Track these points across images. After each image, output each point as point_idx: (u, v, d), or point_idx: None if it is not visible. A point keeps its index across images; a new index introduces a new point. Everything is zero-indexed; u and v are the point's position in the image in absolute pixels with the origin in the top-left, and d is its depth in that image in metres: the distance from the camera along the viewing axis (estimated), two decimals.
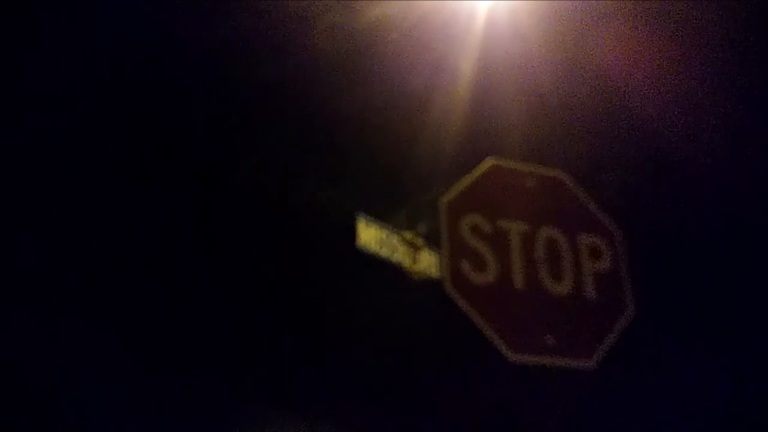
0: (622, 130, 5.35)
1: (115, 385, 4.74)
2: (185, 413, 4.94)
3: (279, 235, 5.10)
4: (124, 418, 4.63)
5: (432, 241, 3.88)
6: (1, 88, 4.61)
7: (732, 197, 5.28)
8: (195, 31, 4.85)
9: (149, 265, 5.07)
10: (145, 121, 5.09)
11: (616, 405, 4.77)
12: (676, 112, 5.18)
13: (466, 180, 3.43)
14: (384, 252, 3.76)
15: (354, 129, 5.06)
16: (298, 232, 4.97)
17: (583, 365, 3.21)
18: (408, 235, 3.88)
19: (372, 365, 4.94)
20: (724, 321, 5.27)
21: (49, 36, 4.70)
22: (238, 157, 5.13)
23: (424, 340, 4.82)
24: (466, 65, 4.82)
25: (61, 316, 4.69)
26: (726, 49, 5.11)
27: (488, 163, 3.51)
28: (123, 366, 4.80)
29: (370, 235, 3.73)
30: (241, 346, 5.16)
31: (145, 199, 5.20)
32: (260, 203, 5.10)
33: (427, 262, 3.90)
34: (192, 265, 5.12)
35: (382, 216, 3.84)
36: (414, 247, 3.85)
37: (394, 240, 3.82)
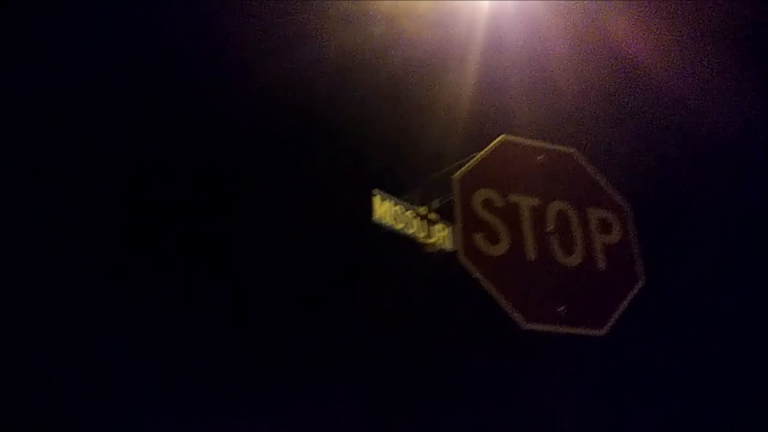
0: (631, 107, 5.39)
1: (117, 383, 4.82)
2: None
3: (299, 212, 5.23)
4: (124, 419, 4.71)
5: (445, 215, 3.99)
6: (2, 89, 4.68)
7: (740, 171, 5.32)
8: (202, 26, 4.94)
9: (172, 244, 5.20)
10: (180, 104, 5.17)
11: (628, 372, 4.90)
12: (685, 88, 5.21)
13: (479, 156, 3.52)
14: (399, 226, 3.87)
15: (371, 110, 5.15)
16: (317, 208, 5.10)
17: (594, 333, 3.33)
18: (422, 209, 3.98)
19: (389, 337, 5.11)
20: (730, 288, 5.35)
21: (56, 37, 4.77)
22: (258, 137, 5.23)
23: (439, 310, 4.98)
24: (479, 46, 4.87)
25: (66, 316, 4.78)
26: (729, 29, 5.12)
27: (500, 139, 3.59)
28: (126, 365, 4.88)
29: (385, 209, 3.84)
30: (259, 321, 5.29)
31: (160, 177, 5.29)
32: (279, 183, 5.23)
33: (441, 236, 4.01)
34: (212, 241, 5.25)
35: (397, 192, 3.95)
36: (428, 221, 3.95)
37: (409, 214, 3.92)
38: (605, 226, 3.54)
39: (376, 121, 5.22)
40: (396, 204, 3.93)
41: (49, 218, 4.96)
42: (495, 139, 3.56)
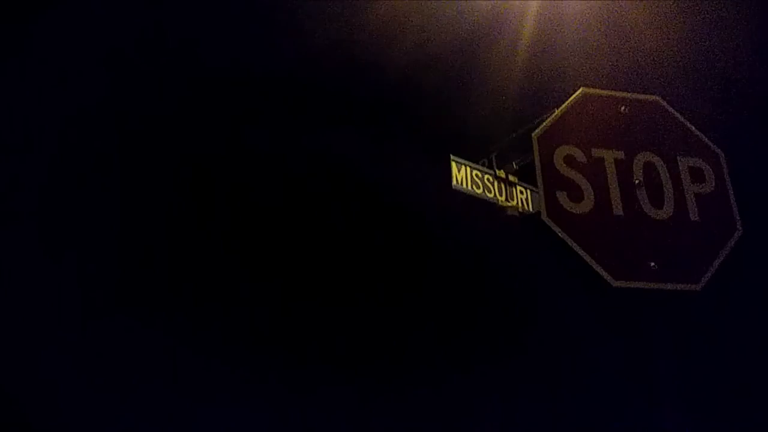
0: (716, 51, 5.09)
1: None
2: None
3: (378, 181, 5.28)
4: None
5: (525, 176, 3.93)
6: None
7: None
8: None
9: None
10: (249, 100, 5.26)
11: (721, 325, 4.70)
12: None
13: (558, 112, 3.43)
14: (478, 191, 3.84)
15: (443, 72, 5.13)
16: (394, 175, 5.15)
17: (689, 288, 3.21)
18: (501, 172, 3.93)
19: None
20: None
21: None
22: (334, 107, 5.30)
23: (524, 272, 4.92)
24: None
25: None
26: None
27: (579, 93, 3.49)
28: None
29: (463, 175, 3.81)
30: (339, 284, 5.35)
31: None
32: (354, 150, 5.29)
33: (522, 198, 3.95)
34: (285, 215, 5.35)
35: (475, 156, 3.90)
36: (507, 184, 3.90)
37: (488, 178, 3.88)
38: (697, 175, 3.40)
39: (446, 85, 5.19)
40: (474, 169, 3.88)
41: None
42: (575, 92, 3.47)
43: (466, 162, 3.89)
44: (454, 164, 3.82)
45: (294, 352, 5.07)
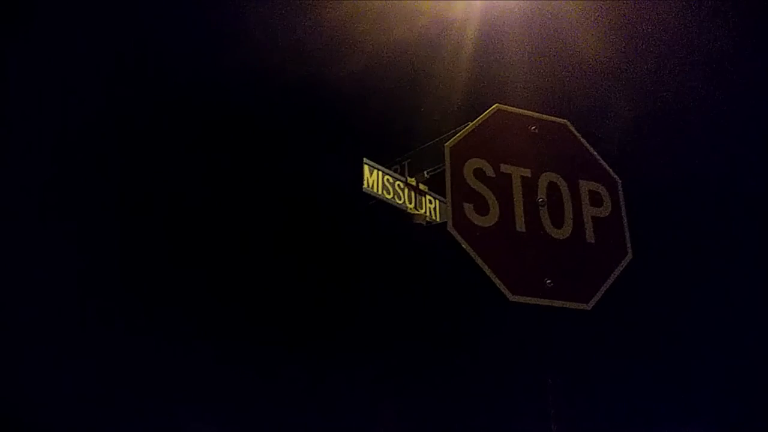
0: (622, 81, 5.37)
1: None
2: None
3: (289, 180, 5.21)
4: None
5: (435, 186, 3.97)
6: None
7: (728, 144, 5.32)
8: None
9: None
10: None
11: (611, 344, 4.94)
12: (674, 62, 5.21)
13: (472, 125, 3.49)
14: (388, 196, 3.84)
15: (361, 79, 5.14)
16: (307, 177, 5.10)
17: (579, 307, 3.33)
18: (412, 180, 3.95)
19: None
20: (720, 264, 5.38)
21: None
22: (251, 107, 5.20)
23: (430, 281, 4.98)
24: (471, 17, 4.83)
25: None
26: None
27: (494, 109, 3.56)
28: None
29: (375, 179, 3.79)
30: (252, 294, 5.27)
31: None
32: (269, 150, 5.20)
33: (430, 208, 3.99)
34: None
35: (387, 162, 3.90)
36: (418, 192, 3.92)
37: (398, 185, 3.89)
38: (595, 199, 3.54)
39: (367, 91, 5.20)
40: (386, 174, 3.88)
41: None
42: (489, 108, 3.53)
43: (379, 167, 3.88)
44: (366, 168, 3.81)
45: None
